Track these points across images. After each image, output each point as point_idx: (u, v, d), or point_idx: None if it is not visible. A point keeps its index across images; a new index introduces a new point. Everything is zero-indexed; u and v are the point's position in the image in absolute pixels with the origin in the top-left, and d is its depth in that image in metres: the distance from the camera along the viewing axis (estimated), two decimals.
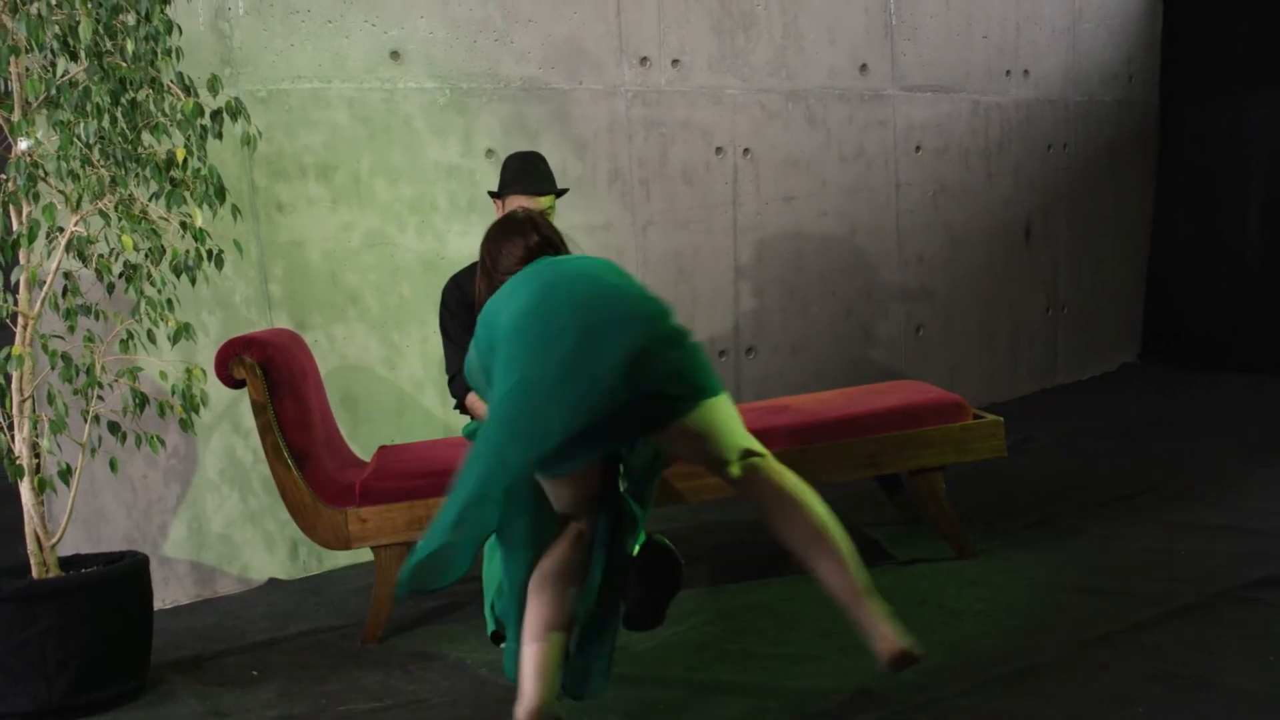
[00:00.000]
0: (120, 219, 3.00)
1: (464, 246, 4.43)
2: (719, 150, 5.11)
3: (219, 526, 4.06)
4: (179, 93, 3.02)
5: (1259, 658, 2.53)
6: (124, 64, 2.91)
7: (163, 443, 3.20)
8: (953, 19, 5.77)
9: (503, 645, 3.07)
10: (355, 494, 3.29)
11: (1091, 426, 5.28)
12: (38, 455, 3.02)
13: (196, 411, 3.17)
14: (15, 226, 2.92)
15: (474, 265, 3.47)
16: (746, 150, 5.18)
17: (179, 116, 3.01)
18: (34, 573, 3.02)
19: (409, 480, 3.31)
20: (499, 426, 2.28)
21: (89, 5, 2.83)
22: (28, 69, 2.95)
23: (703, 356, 2.43)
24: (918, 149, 5.69)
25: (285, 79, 4.17)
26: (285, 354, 3.39)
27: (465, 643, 3.21)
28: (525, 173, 3.47)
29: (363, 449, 4.01)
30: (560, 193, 3.55)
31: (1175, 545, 3.42)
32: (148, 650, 3.13)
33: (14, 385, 2.98)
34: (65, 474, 3.07)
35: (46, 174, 2.92)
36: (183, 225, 3.07)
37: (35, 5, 2.86)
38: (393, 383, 4.36)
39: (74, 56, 2.96)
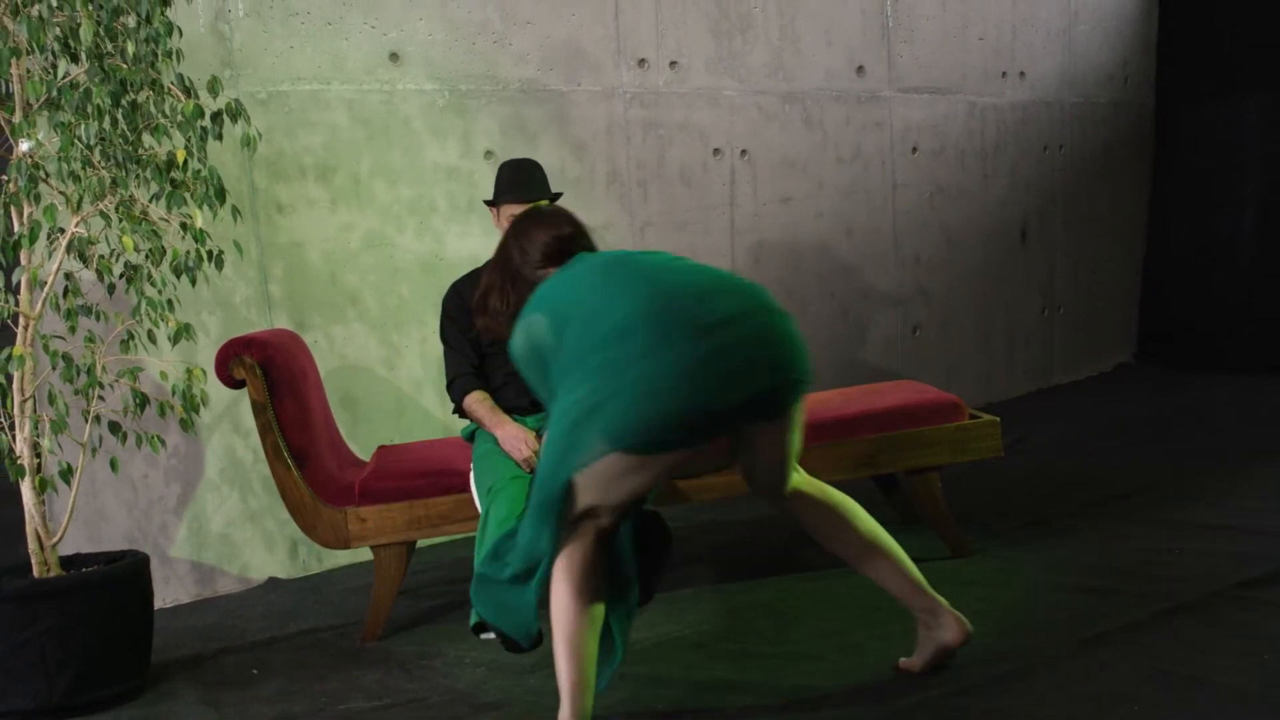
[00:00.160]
0: (121, 220, 3.01)
1: (463, 247, 4.45)
2: (716, 152, 5.12)
3: (219, 526, 4.06)
4: (179, 94, 3.03)
5: (1255, 656, 2.54)
6: (125, 66, 2.91)
7: (163, 443, 3.21)
8: (949, 21, 5.78)
9: (484, 637, 3.10)
10: (355, 494, 3.30)
11: (1087, 426, 5.28)
12: (39, 455, 3.03)
13: (197, 411, 3.18)
14: (16, 227, 2.93)
15: (474, 273, 3.49)
16: (744, 151, 5.19)
17: (179, 118, 3.02)
18: (35, 572, 3.03)
19: (408, 480, 3.33)
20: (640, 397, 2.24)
21: (90, 7, 2.84)
22: (29, 71, 2.96)
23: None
24: (914, 150, 5.70)
25: (285, 81, 4.18)
26: (285, 354, 3.40)
27: (465, 642, 3.21)
28: (517, 182, 3.48)
29: (362, 449, 4.03)
30: (555, 197, 3.56)
31: (1171, 545, 3.43)
32: (148, 649, 3.14)
33: (15, 385, 2.98)
34: (66, 474, 3.08)
35: (47, 175, 2.93)
36: (183, 226, 3.08)
37: (36, 7, 2.87)
38: (392, 383, 4.37)
39: (75, 58, 2.97)
